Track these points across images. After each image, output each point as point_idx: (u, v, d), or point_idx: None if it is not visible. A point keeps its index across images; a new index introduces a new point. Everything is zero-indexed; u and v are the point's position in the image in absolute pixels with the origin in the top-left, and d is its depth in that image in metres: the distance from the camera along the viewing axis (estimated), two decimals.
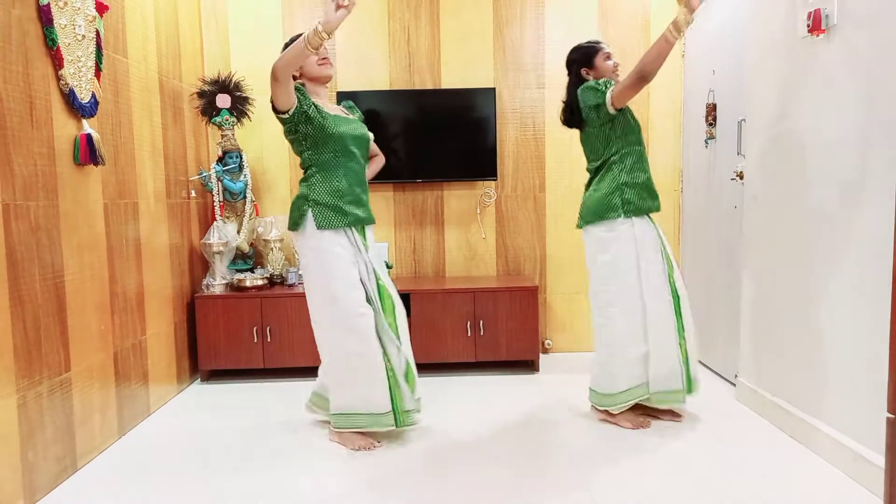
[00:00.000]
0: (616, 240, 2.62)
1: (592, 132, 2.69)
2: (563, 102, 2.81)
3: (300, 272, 2.46)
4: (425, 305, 3.48)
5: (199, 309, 3.41)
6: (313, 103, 2.42)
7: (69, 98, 2.35)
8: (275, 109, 2.38)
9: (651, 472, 2.28)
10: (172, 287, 3.25)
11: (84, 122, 2.45)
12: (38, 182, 2.18)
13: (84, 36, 2.43)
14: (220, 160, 3.57)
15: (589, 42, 2.77)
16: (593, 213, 2.67)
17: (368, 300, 2.46)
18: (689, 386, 2.70)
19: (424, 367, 3.56)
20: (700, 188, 3.64)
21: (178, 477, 2.33)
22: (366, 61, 3.81)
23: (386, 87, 3.82)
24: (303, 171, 2.52)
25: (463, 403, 3.07)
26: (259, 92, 3.70)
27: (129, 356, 2.78)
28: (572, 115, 2.75)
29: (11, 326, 2.02)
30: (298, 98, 2.37)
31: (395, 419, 2.49)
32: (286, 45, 2.43)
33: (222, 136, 3.57)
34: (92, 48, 2.50)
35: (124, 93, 2.80)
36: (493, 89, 3.76)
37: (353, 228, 2.48)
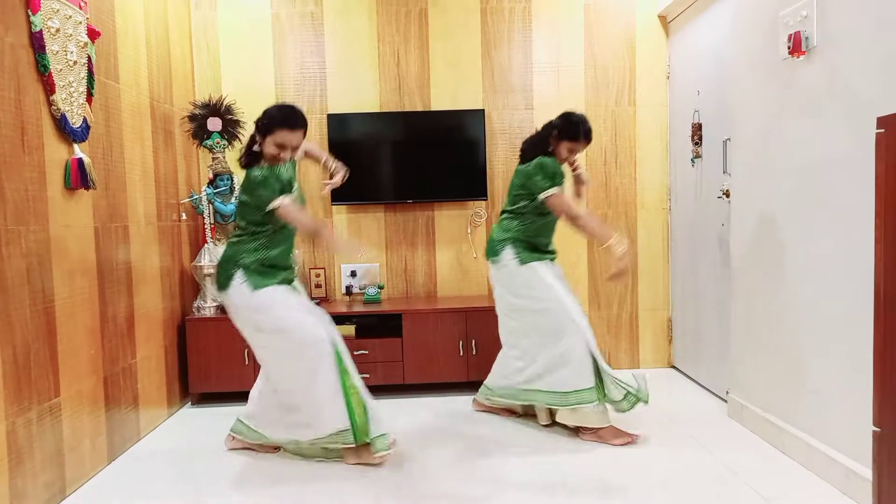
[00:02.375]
0: (537, 278, 2.84)
1: (519, 186, 2.88)
2: (526, 143, 2.94)
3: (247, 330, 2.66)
4: (417, 325, 3.49)
5: (190, 332, 3.39)
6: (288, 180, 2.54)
7: (61, 123, 2.37)
8: (263, 204, 2.44)
9: (643, 488, 2.28)
10: (163, 310, 3.24)
11: (75, 146, 2.46)
12: (29, 207, 2.19)
13: (76, 62, 2.45)
14: (211, 183, 3.58)
15: (584, 128, 2.83)
16: (489, 252, 2.96)
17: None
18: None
19: (417, 388, 3.56)
20: (688, 206, 3.68)
21: (168, 502, 2.30)
22: (356, 84, 3.85)
23: (376, 110, 3.85)
24: (240, 231, 2.57)
25: (455, 423, 3.06)
26: (250, 115, 3.70)
27: (119, 380, 2.77)
28: (524, 155, 2.92)
29: (1, 352, 2.01)
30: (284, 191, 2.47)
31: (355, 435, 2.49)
32: (261, 122, 2.49)
33: (213, 158, 3.58)
34: (84, 74, 2.52)
35: (115, 117, 2.82)
36: (482, 111, 3.80)
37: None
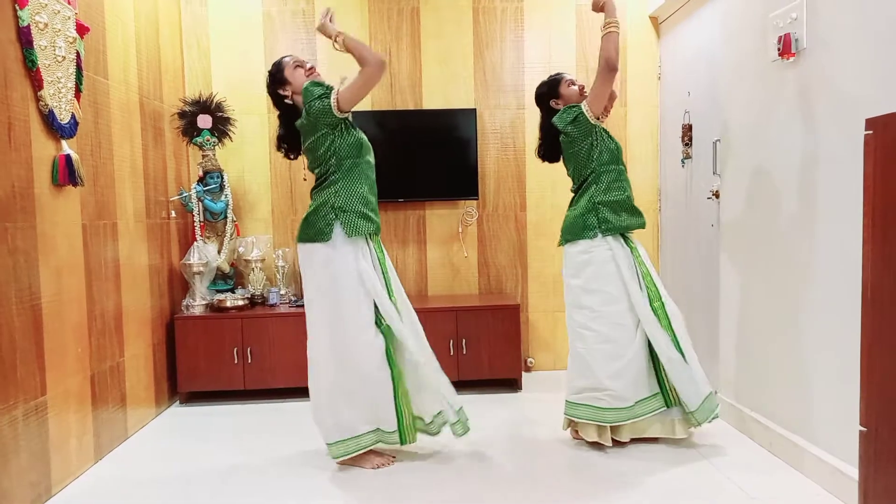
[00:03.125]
0: (590, 262, 2.63)
1: (572, 153, 2.72)
2: (539, 139, 2.88)
3: (305, 289, 2.50)
4: None
5: (179, 330, 3.37)
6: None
7: (48, 119, 2.34)
8: (335, 111, 2.40)
9: (630, 487, 2.29)
10: (151, 308, 3.22)
11: (63, 142, 2.44)
12: (16, 203, 2.16)
13: (64, 57, 2.43)
14: (201, 180, 3.56)
15: (549, 77, 2.86)
16: (569, 232, 2.70)
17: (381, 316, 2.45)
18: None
19: None
20: (678, 207, 3.70)
21: (155, 502, 2.29)
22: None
23: (368, 108, 3.84)
24: (321, 179, 2.50)
25: None
26: (240, 112, 3.71)
27: (106, 379, 2.74)
28: (550, 148, 2.82)
29: None
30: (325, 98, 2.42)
31: (401, 436, 2.47)
32: (274, 75, 2.52)
33: (203, 156, 3.56)
34: (72, 69, 2.49)
35: (104, 113, 2.80)
36: (474, 110, 3.80)
37: (370, 239, 2.51)
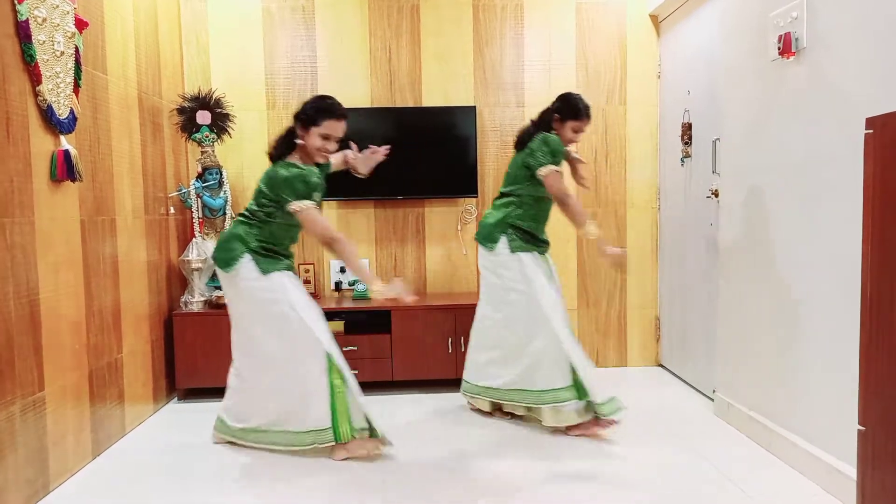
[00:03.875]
0: (498, 264, 2.89)
1: (520, 168, 2.88)
2: (532, 122, 2.93)
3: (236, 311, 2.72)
4: (406, 322, 3.48)
5: (177, 326, 3.37)
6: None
7: (47, 114, 2.33)
8: (283, 203, 2.50)
9: (628, 487, 2.29)
10: (150, 304, 3.22)
11: (62, 138, 2.43)
12: (13, 198, 2.16)
13: (63, 52, 2.42)
14: (200, 176, 3.55)
15: (583, 105, 2.86)
16: (481, 236, 2.96)
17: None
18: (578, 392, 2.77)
19: (405, 385, 3.55)
20: (677, 205, 3.70)
21: (153, 499, 2.29)
22: (347, 79, 3.84)
23: (367, 105, 3.84)
24: (250, 215, 2.61)
25: (443, 420, 3.06)
26: (239, 109, 3.70)
27: (104, 375, 2.74)
28: (520, 144, 2.93)
29: None
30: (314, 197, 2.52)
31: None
32: (304, 113, 2.53)
33: (202, 152, 3.55)
34: (71, 64, 2.48)
35: (103, 109, 2.79)
36: (474, 107, 3.80)
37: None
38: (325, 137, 2.50)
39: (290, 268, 2.66)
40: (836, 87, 2.19)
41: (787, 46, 2.40)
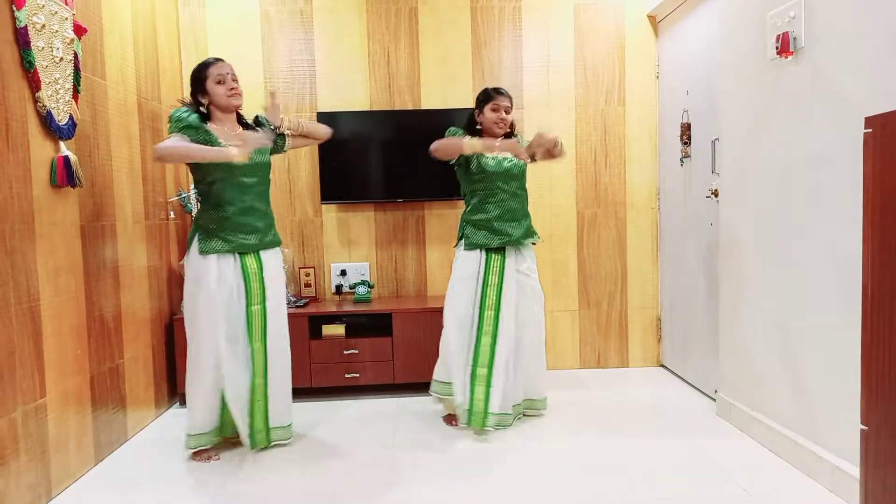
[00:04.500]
0: (456, 266, 2.97)
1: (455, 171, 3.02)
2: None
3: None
4: (407, 325, 3.48)
5: (178, 331, 3.36)
6: (207, 138, 2.53)
7: (46, 120, 2.34)
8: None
9: (630, 487, 2.29)
10: (150, 309, 3.22)
11: (61, 143, 2.43)
12: (13, 204, 2.16)
13: (62, 58, 2.42)
14: None
15: (490, 88, 2.96)
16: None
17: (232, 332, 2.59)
18: (469, 416, 2.83)
19: (406, 387, 3.55)
20: (677, 206, 3.70)
21: (155, 503, 2.28)
22: (346, 82, 3.84)
23: (366, 108, 3.84)
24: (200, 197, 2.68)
25: (441, 422, 3.06)
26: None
27: (105, 380, 2.74)
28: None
29: None
30: (191, 136, 2.51)
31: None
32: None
33: None
34: (70, 70, 2.49)
35: (102, 114, 2.79)
36: (473, 110, 3.79)
37: (238, 254, 2.61)
38: (219, 82, 2.60)
39: (234, 250, 2.59)
40: (835, 86, 2.19)
41: (785, 46, 2.40)
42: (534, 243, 3.02)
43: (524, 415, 3.06)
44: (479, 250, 2.89)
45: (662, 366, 3.99)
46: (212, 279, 2.54)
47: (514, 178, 2.93)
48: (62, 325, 2.42)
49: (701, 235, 3.38)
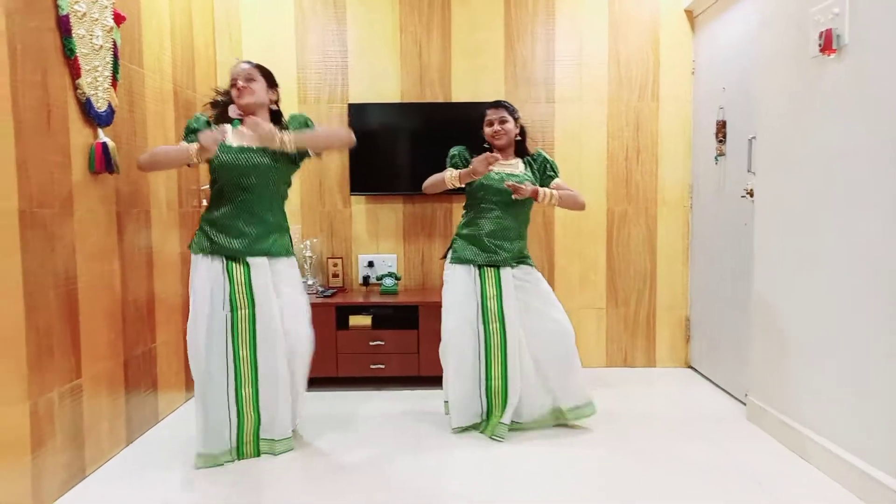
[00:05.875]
0: (447, 280, 2.88)
1: None
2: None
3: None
4: (433, 317, 3.47)
5: None
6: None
7: (86, 107, 2.38)
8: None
9: (657, 492, 2.27)
10: (182, 295, 3.26)
11: (100, 130, 2.47)
12: (53, 190, 2.20)
13: (101, 46, 2.46)
14: None
15: (491, 103, 2.93)
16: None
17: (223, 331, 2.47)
18: (487, 425, 2.78)
19: (432, 380, 3.55)
20: (709, 205, 3.64)
21: (185, 485, 2.32)
22: (377, 74, 3.84)
23: (397, 100, 3.84)
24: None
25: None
26: None
27: (138, 364, 2.79)
28: None
29: (25, 333, 2.03)
30: (190, 138, 2.52)
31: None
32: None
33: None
34: (109, 58, 2.53)
35: (139, 102, 2.83)
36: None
37: (226, 259, 2.50)
38: (233, 83, 2.59)
39: (217, 252, 2.48)
40: (879, 85, 2.12)
41: (828, 43, 2.34)
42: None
43: (567, 425, 2.88)
44: (469, 265, 2.81)
45: (690, 367, 3.94)
46: (197, 278, 2.49)
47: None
48: (98, 308, 2.47)
49: (734, 235, 3.31)
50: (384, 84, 3.84)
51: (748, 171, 3.12)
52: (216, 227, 2.51)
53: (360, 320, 3.51)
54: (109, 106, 2.54)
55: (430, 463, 2.51)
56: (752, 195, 3.04)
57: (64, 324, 2.25)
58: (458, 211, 3.90)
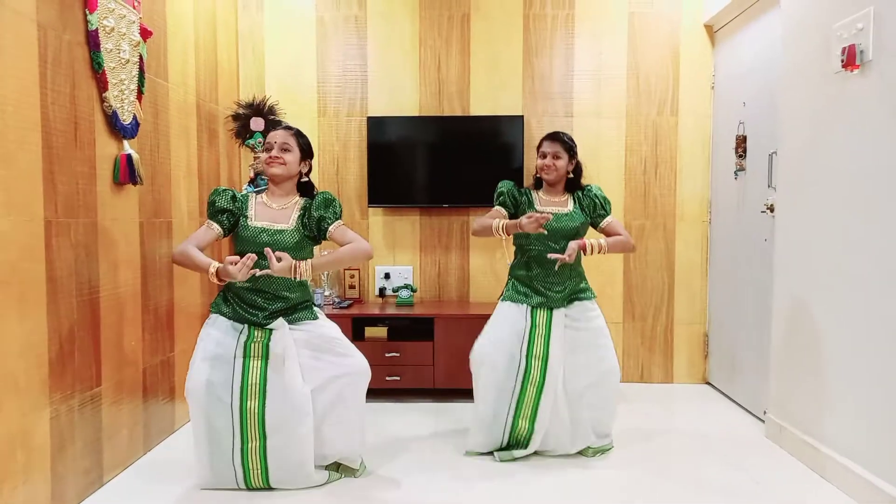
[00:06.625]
0: (496, 313, 2.78)
1: None
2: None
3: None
4: (449, 330, 3.48)
5: None
6: (236, 217, 2.44)
7: (112, 119, 2.43)
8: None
9: None
10: (202, 304, 3.30)
11: (125, 142, 2.52)
12: (79, 200, 2.25)
13: (128, 60, 2.52)
14: (252, 181, 3.63)
15: (550, 134, 2.81)
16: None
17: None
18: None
19: (447, 393, 3.55)
20: (729, 220, 3.61)
21: (201, 494, 2.34)
22: (396, 88, 3.88)
23: (416, 114, 3.87)
24: None
25: None
26: (293, 116, 3.77)
27: (157, 372, 2.82)
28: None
29: (48, 340, 2.07)
30: (220, 220, 2.43)
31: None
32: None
33: (255, 157, 3.64)
34: (135, 72, 2.58)
35: (163, 115, 2.89)
36: (521, 117, 3.79)
37: (243, 325, 2.37)
38: (267, 148, 2.46)
39: (236, 319, 2.38)
40: None
41: (851, 59, 2.32)
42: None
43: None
44: (522, 304, 2.72)
45: (708, 383, 3.89)
46: (211, 326, 2.39)
47: (567, 236, 2.70)
48: (119, 317, 2.51)
49: (754, 251, 3.28)
50: (403, 98, 3.88)
51: (768, 186, 3.09)
52: (238, 297, 2.40)
53: (376, 332, 3.52)
54: (134, 118, 2.59)
55: (444, 478, 2.50)
56: (772, 210, 3.01)
57: (85, 331, 2.29)
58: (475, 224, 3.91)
